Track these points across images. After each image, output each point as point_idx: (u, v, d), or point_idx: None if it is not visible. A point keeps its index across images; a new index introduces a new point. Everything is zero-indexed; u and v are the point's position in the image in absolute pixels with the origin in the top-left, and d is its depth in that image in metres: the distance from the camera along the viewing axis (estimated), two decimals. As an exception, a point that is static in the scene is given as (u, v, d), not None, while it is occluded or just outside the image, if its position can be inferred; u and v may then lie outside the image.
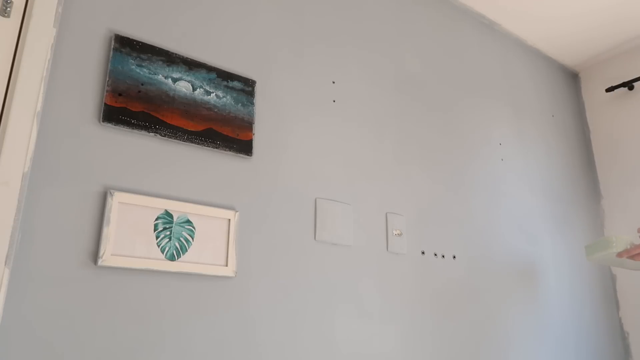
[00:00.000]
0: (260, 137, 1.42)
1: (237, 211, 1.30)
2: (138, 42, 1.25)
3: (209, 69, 1.36)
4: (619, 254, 1.66)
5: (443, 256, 1.74)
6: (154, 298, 1.13)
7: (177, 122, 1.26)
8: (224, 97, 1.37)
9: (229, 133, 1.34)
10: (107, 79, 1.18)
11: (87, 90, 1.17)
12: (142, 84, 1.23)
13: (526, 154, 2.23)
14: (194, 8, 1.39)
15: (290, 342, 1.31)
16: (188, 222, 1.22)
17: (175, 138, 1.25)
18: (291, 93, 1.53)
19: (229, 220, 1.28)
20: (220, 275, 1.23)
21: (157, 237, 1.16)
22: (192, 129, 1.28)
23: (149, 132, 1.21)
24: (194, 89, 1.32)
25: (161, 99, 1.25)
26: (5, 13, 1.10)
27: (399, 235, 1.64)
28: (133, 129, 1.19)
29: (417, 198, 1.74)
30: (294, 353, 1.31)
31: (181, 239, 1.20)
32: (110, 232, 1.09)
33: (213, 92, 1.35)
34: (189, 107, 1.29)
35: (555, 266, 2.14)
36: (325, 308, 1.40)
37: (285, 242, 1.39)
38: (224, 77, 1.38)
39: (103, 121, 1.15)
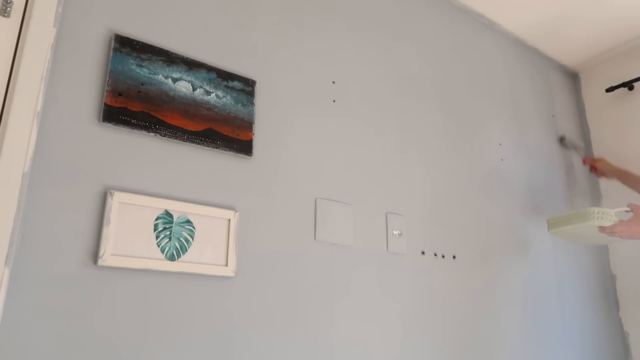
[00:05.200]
0: (260, 137, 1.42)
1: (237, 211, 1.30)
2: (138, 42, 1.25)
3: (209, 69, 1.36)
4: (602, 230, 1.62)
5: (443, 256, 1.74)
6: (154, 298, 1.13)
7: (177, 122, 1.26)
8: (224, 97, 1.37)
9: (229, 133, 1.34)
10: (107, 79, 1.18)
11: (87, 90, 1.17)
12: (142, 84, 1.23)
13: (526, 154, 2.23)
14: (194, 8, 1.40)
15: (290, 342, 1.31)
16: (188, 222, 1.22)
17: (175, 138, 1.25)
18: (291, 93, 1.53)
19: (229, 220, 1.28)
20: (220, 275, 1.23)
21: (157, 237, 1.16)
22: (192, 129, 1.28)
23: (149, 132, 1.21)
24: (194, 89, 1.32)
25: (161, 99, 1.25)
26: (5, 13, 1.10)
27: (399, 235, 1.64)
28: (133, 129, 1.19)
29: (417, 198, 1.74)
30: (294, 353, 1.31)
31: (181, 239, 1.20)
32: (110, 232, 1.09)
33: (213, 92, 1.35)
34: (189, 107, 1.29)
35: (555, 266, 2.14)
36: (325, 308, 1.40)
37: (285, 242, 1.39)
38: (224, 77, 1.38)
39: (103, 121, 1.15)
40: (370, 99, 1.73)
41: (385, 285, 1.56)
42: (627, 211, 1.65)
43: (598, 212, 1.63)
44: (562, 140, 2.43)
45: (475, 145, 2.02)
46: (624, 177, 2.13)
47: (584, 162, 2.33)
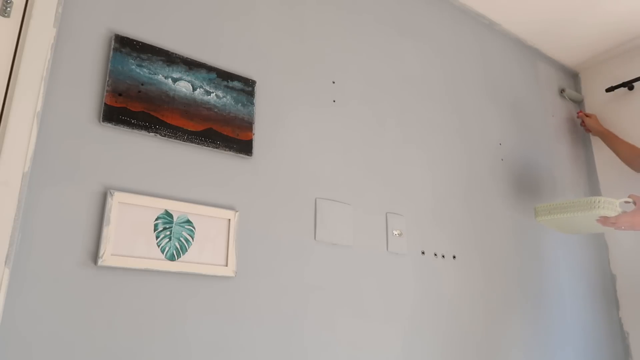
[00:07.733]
0: (260, 137, 1.42)
1: (237, 211, 1.30)
2: (138, 42, 1.25)
3: (209, 69, 1.36)
4: (604, 221, 1.60)
5: (443, 256, 1.74)
6: (154, 298, 1.13)
7: (177, 122, 1.26)
8: (224, 97, 1.37)
9: (229, 133, 1.34)
10: (107, 79, 1.18)
11: (87, 90, 1.17)
12: (142, 84, 1.23)
13: (526, 154, 2.23)
14: (194, 8, 1.39)
15: (290, 343, 1.31)
16: (188, 222, 1.22)
17: (175, 138, 1.25)
18: (291, 93, 1.53)
19: (229, 220, 1.28)
20: (220, 275, 1.23)
21: (157, 237, 1.16)
22: (192, 129, 1.28)
23: (149, 132, 1.21)
24: (194, 89, 1.32)
25: (161, 99, 1.25)
26: (5, 13, 1.10)
27: (399, 235, 1.64)
28: (133, 129, 1.19)
29: (417, 198, 1.74)
30: (294, 353, 1.31)
31: (181, 239, 1.20)
32: (110, 232, 1.09)
33: (213, 92, 1.35)
34: (189, 107, 1.29)
35: (555, 266, 2.14)
36: (325, 308, 1.40)
37: (285, 242, 1.39)
38: (224, 77, 1.38)
39: (103, 121, 1.15)
40: (370, 98, 1.73)
41: (385, 285, 1.56)
42: (627, 202, 1.63)
43: (603, 202, 1.59)
44: (562, 91, 2.57)
45: (475, 145, 2.02)
46: (608, 138, 2.29)
47: (578, 115, 2.47)
